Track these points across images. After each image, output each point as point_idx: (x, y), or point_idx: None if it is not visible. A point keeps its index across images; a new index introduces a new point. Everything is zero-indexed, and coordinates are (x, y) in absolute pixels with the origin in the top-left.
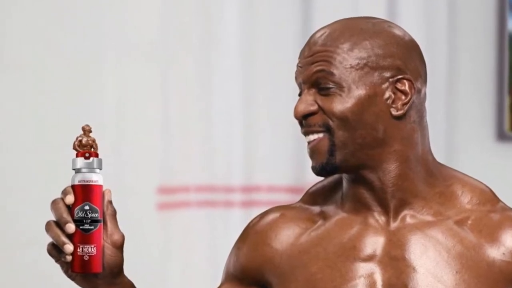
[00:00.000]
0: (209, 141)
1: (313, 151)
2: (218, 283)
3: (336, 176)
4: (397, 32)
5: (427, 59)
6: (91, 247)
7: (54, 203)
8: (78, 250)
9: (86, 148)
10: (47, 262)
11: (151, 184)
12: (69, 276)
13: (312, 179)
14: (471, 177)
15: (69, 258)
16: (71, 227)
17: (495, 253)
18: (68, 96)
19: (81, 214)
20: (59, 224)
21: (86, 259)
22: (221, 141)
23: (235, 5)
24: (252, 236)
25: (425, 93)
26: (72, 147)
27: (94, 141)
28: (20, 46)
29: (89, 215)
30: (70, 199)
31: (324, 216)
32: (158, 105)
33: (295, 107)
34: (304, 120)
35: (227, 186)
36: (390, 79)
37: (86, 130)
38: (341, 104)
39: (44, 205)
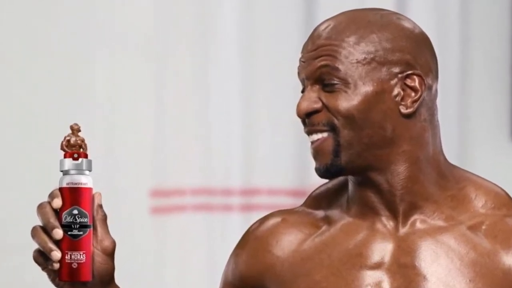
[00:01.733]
0: (206, 141)
1: (317, 152)
2: None
3: (341, 178)
4: (407, 24)
5: (438, 54)
6: (80, 254)
7: (40, 207)
8: (66, 257)
9: (74, 149)
10: (33, 270)
11: (144, 186)
12: (57, 285)
13: (316, 182)
14: (485, 179)
15: (56, 265)
16: (58, 233)
17: (511, 260)
18: (56, 93)
19: (69, 219)
20: (46, 230)
21: (74, 266)
22: (219, 141)
23: None
24: (251, 242)
25: (436, 90)
26: (60, 147)
27: (83, 141)
28: (7, 41)
29: (78, 220)
30: (57, 203)
31: (328, 221)
32: (151, 103)
33: (297, 105)
34: (307, 118)
35: (225, 188)
36: (399, 75)
37: (75, 129)
38: (347, 102)
39: (30, 209)
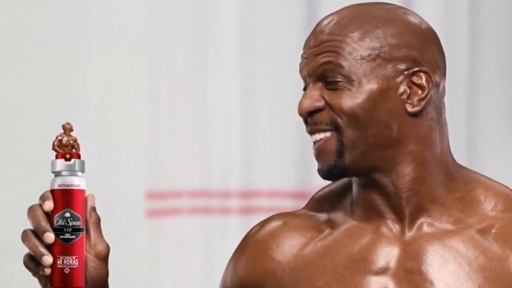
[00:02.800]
0: (204, 141)
1: (320, 152)
2: None
3: (345, 180)
4: (413, 19)
5: (446, 50)
6: (73, 259)
7: (31, 210)
8: (58, 262)
9: (66, 149)
10: (24, 276)
11: (139, 188)
12: None
13: (318, 183)
14: (495, 181)
15: (48, 271)
16: (50, 237)
17: None
18: (47, 91)
19: (61, 222)
20: (37, 233)
21: (66, 272)
22: (218, 141)
23: None
24: (251, 246)
25: (444, 87)
26: (51, 147)
27: (75, 140)
28: None
29: (70, 223)
30: (49, 205)
31: (331, 224)
32: (146, 101)
33: (299, 103)
34: (310, 117)
35: (224, 191)
36: (405, 72)
37: (67, 129)
38: (351, 100)
39: (20, 212)
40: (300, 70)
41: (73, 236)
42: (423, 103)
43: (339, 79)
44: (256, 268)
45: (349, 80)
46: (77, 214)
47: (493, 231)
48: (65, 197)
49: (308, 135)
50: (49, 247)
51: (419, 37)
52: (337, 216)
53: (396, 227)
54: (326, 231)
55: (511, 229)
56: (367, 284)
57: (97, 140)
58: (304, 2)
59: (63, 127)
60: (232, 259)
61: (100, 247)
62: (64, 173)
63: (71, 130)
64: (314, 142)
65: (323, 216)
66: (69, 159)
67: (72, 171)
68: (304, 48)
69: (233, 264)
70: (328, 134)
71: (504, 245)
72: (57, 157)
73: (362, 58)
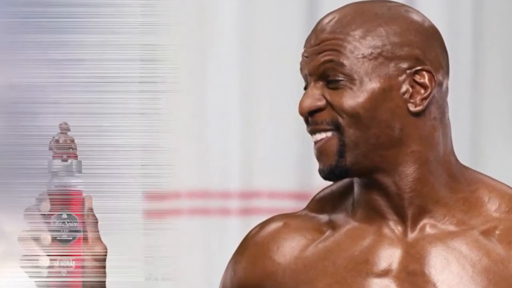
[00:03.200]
0: (203, 141)
1: (321, 152)
2: None
3: (346, 180)
4: (416, 17)
5: (450, 49)
6: (70, 261)
7: (27, 211)
8: (55, 264)
9: (63, 149)
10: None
11: (137, 189)
12: None
13: (319, 184)
14: (499, 181)
15: (44, 273)
16: (47, 238)
17: None
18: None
19: (58, 224)
20: (34, 235)
21: (63, 274)
22: (217, 141)
23: None
24: (251, 248)
25: (447, 87)
26: (48, 147)
27: (72, 140)
28: None
29: (67, 225)
30: (45, 206)
31: (333, 225)
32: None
33: (300, 103)
34: (310, 117)
35: (223, 191)
36: (408, 71)
37: (64, 128)
38: (352, 99)
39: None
40: (301, 69)
41: (70, 238)
42: (425, 102)
43: (340, 78)
44: (256, 270)
45: (350, 79)
46: (74, 215)
47: (497, 232)
48: (62, 198)
49: (309, 135)
50: (46, 248)
51: (422, 35)
52: (338, 217)
53: (398, 229)
54: (327, 233)
55: None
56: (368, 286)
57: (94, 140)
58: (304, 2)
59: (60, 126)
60: (232, 260)
61: (98, 249)
62: (61, 173)
63: (68, 129)
64: (315, 142)
65: (324, 217)
66: (66, 160)
67: (69, 172)
68: (305, 46)
69: (233, 266)
70: (329, 134)
71: (508, 247)
72: (53, 157)
73: (364, 57)
